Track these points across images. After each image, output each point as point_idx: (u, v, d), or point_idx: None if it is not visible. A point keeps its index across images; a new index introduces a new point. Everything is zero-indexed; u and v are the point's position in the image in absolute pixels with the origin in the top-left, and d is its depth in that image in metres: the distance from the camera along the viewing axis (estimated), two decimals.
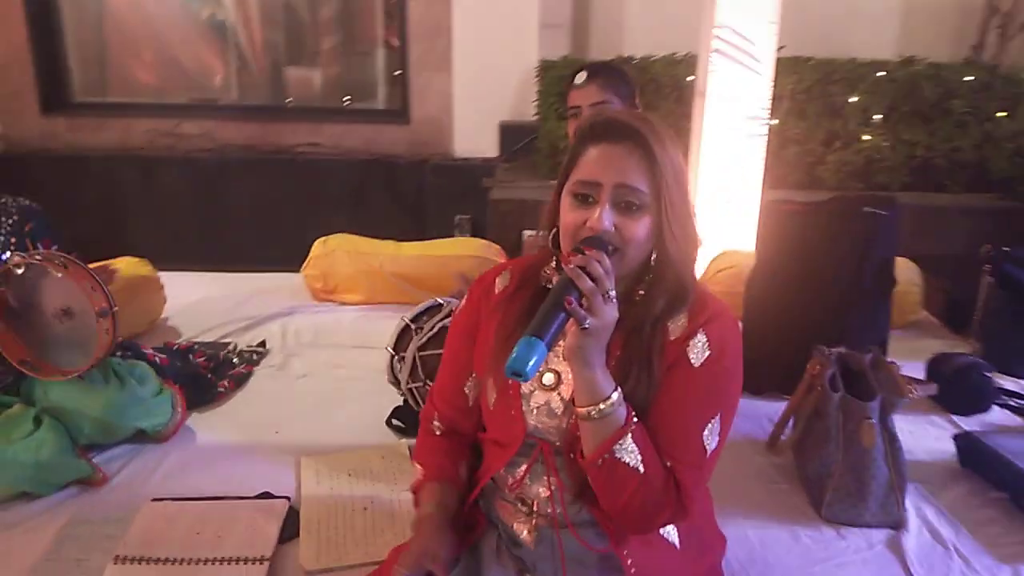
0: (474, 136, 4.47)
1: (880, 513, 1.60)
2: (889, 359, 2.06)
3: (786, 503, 1.69)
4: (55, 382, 1.71)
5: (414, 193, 4.35)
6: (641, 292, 1.17)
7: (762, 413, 2.05)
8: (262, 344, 2.34)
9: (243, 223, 4.41)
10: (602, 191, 1.10)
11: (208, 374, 2.08)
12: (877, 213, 2.02)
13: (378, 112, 4.57)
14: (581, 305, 1.01)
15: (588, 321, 1.01)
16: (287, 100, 4.73)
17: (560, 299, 1.00)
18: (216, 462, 1.77)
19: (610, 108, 1.89)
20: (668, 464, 1.11)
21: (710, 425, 1.12)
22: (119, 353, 1.86)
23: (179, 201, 4.44)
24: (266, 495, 1.62)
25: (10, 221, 1.76)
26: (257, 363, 2.23)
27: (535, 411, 1.18)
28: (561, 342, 1.07)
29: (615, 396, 1.07)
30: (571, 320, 1.02)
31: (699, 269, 2.86)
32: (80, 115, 4.53)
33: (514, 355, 0.95)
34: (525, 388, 1.19)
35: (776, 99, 3.57)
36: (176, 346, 2.22)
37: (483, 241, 2.96)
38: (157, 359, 1.96)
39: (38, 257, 1.63)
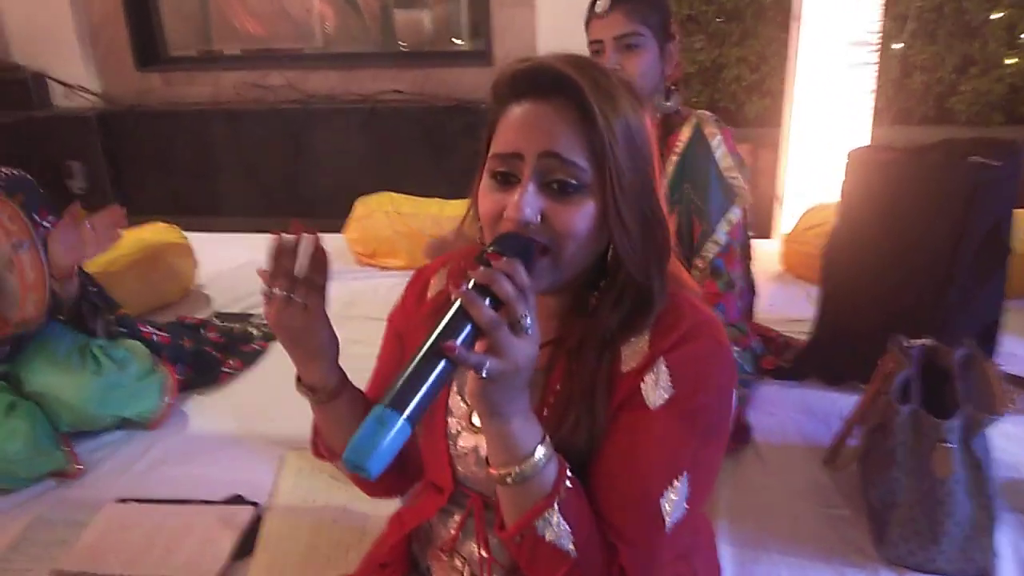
0: None
1: (959, 559, 1.24)
2: (996, 353, 1.66)
3: (840, 534, 1.34)
4: (36, 367, 1.61)
5: None
6: (593, 304, 0.88)
7: (834, 409, 1.68)
8: (250, 319, 2.18)
9: (327, 175, 4.31)
10: (523, 165, 0.80)
11: (216, 352, 1.94)
12: (986, 164, 1.58)
13: (459, 54, 4.30)
14: (476, 342, 0.73)
15: (488, 367, 0.72)
16: (399, 44, 4.55)
17: (438, 343, 0.71)
18: (201, 454, 1.62)
19: (639, 42, 1.56)
20: (612, 541, 0.82)
21: (672, 489, 0.80)
22: (112, 329, 1.74)
23: (265, 153, 4.39)
24: (237, 499, 1.46)
25: None
26: (275, 338, 2.07)
27: (463, 456, 0.92)
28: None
29: (539, 454, 0.77)
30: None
31: (784, 226, 2.48)
32: (174, 70, 4.53)
33: (354, 440, 0.64)
34: (452, 426, 0.93)
35: (898, 19, 3.03)
36: (189, 320, 2.09)
37: None
38: (155, 337, 1.83)
39: None
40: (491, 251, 0.76)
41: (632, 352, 0.84)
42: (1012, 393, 1.27)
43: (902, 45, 3.04)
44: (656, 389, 0.82)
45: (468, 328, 0.71)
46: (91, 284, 1.71)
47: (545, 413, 0.88)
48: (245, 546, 1.35)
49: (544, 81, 0.81)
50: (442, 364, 0.69)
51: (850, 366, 1.76)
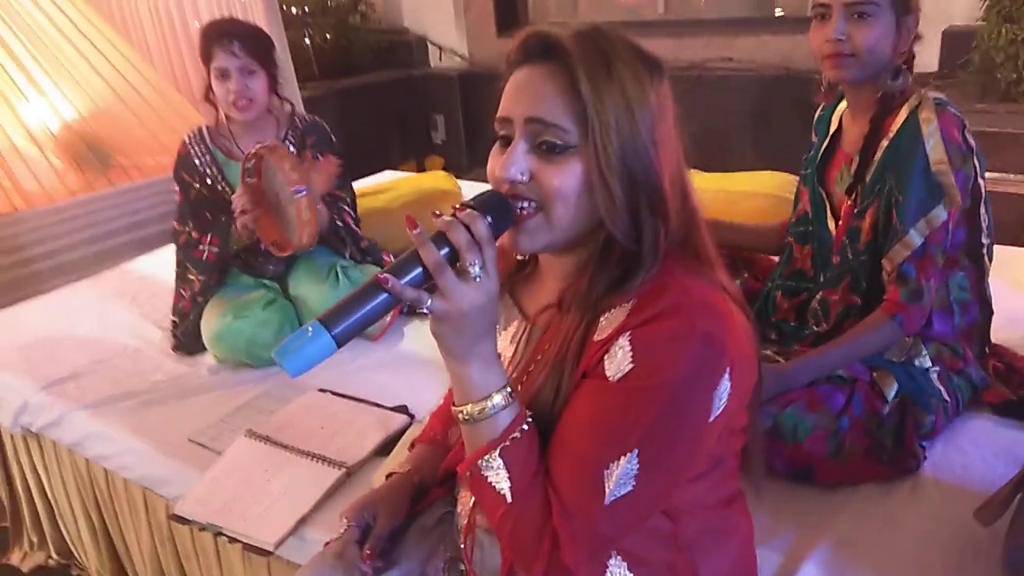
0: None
1: None
2: None
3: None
4: (298, 276, 2.01)
5: None
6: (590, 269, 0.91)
7: None
8: None
9: None
10: (514, 128, 0.87)
11: None
12: None
13: (798, 21, 4.03)
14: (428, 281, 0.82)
15: (429, 306, 0.81)
16: (776, 10, 4.48)
17: (388, 273, 0.80)
18: (398, 367, 1.89)
19: (872, 11, 1.39)
20: (552, 501, 0.86)
21: (617, 464, 0.82)
22: (357, 255, 2.09)
23: None
24: (401, 408, 1.69)
25: (295, 134, 2.06)
26: None
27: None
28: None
29: (494, 400, 0.86)
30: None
31: None
32: None
33: (284, 341, 0.77)
34: (456, 409, 1.03)
35: None
36: None
37: (789, 176, 2.40)
38: None
39: (263, 149, 1.84)
40: (462, 204, 0.84)
41: (610, 321, 0.86)
42: None
43: None
44: (618, 361, 0.83)
45: (419, 268, 0.81)
46: (342, 219, 2.06)
47: (531, 369, 0.94)
48: (387, 447, 1.57)
49: (540, 47, 0.86)
50: (382, 296, 0.80)
51: None
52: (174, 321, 2.06)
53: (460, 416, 0.87)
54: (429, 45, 5.10)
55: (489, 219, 0.82)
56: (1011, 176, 2.89)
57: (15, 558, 2.25)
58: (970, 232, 1.47)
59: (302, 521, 1.40)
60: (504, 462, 0.85)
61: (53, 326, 2.23)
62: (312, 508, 1.41)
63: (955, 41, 3.46)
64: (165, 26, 4.67)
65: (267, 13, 3.96)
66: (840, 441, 1.35)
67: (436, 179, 2.66)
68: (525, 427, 0.86)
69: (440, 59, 5.09)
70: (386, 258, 2.15)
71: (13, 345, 2.13)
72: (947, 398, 1.45)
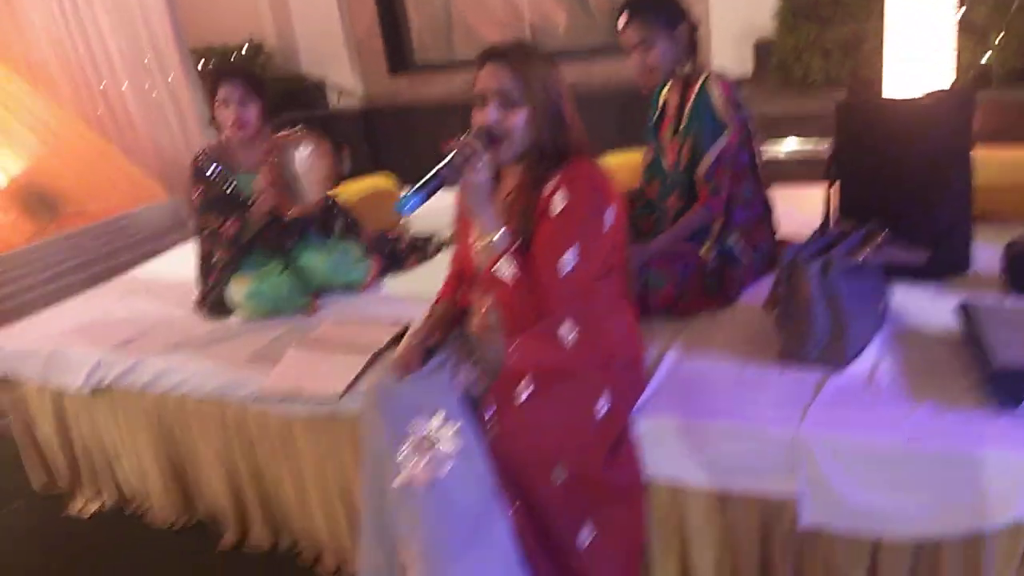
0: (728, 55, 4.87)
1: (822, 356, 1.96)
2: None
3: (757, 345, 2.11)
4: (304, 252, 2.85)
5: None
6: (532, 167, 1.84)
7: None
8: (430, 238, 3.30)
9: None
10: (486, 96, 1.79)
11: (404, 252, 3.10)
12: None
13: None
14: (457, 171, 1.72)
15: (461, 181, 1.72)
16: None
17: (438, 168, 1.72)
18: (384, 305, 2.77)
19: (649, 42, 2.37)
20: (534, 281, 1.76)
21: (565, 255, 1.73)
22: (345, 229, 2.96)
23: None
24: (395, 322, 2.56)
25: None
26: (438, 251, 3.21)
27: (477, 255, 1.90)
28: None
29: (499, 233, 1.76)
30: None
31: None
32: (418, 73, 5.93)
33: (400, 198, 1.70)
34: (477, 243, 1.87)
35: None
36: (391, 235, 3.26)
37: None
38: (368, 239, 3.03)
39: (284, 132, 2.71)
40: (468, 135, 1.76)
41: (548, 187, 1.78)
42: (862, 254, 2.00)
43: None
44: (557, 204, 1.76)
45: (452, 165, 1.71)
46: (332, 200, 2.94)
47: (509, 220, 1.86)
48: (397, 340, 2.44)
49: (494, 53, 1.80)
50: (441, 176, 1.70)
51: None
52: (201, 295, 2.84)
53: (482, 244, 1.76)
54: (327, 87, 5.98)
55: (482, 141, 1.75)
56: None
57: (74, 509, 2.93)
58: (749, 157, 2.49)
59: (352, 382, 2.24)
60: (508, 265, 1.75)
61: (92, 317, 2.97)
62: (357, 374, 2.26)
63: (762, 50, 4.67)
64: (79, 82, 5.32)
65: (183, 70, 4.75)
66: (684, 287, 2.32)
67: (382, 181, 3.59)
68: (516, 247, 1.77)
69: (339, 100, 5.97)
70: (366, 231, 3.03)
71: (67, 331, 2.85)
72: (747, 262, 2.45)
